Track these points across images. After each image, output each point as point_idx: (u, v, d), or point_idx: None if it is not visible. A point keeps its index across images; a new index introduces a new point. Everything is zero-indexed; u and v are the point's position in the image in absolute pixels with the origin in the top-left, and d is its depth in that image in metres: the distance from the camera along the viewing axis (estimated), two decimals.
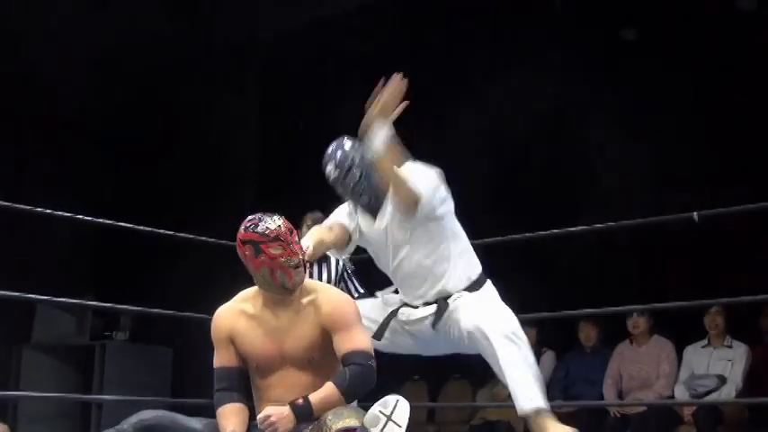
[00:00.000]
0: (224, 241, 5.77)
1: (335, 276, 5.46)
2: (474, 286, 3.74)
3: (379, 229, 3.76)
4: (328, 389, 3.06)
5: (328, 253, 5.51)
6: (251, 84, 8.27)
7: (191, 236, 5.58)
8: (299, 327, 3.16)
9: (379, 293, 3.93)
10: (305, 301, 3.19)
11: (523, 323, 6.29)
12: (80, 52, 7.58)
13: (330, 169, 3.77)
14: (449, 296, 3.71)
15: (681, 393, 5.84)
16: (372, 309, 3.82)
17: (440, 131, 7.19)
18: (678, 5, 6.58)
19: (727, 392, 5.70)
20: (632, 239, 6.55)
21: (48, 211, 4.84)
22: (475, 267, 3.81)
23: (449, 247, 3.75)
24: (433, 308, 3.71)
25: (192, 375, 7.53)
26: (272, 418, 2.98)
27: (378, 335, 3.73)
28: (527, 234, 5.40)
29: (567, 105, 6.93)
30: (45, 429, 7.38)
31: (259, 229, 3.14)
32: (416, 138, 7.35)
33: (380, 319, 3.78)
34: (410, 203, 3.64)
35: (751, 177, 6.05)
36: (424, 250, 3.73)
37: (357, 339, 3.15)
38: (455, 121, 7.14)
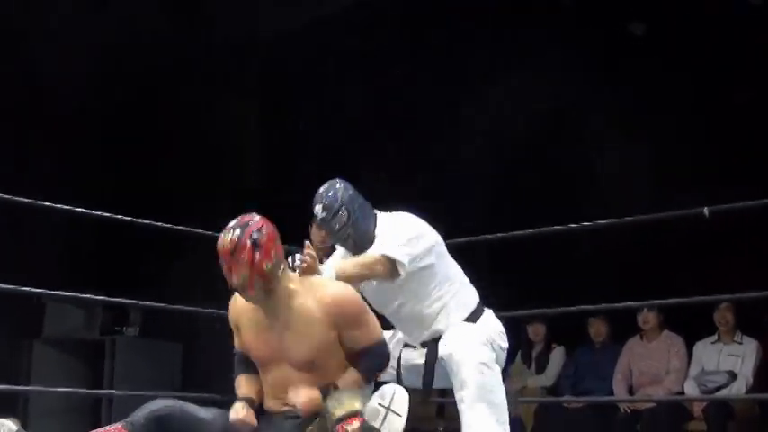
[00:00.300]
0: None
1: None
2: (468, 320, 3.74)
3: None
4: (354, 378, 3.12)
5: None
6: (251, 83, 8.28)
7: (202, 231, 5.59)
8: (299, 326, 3.11)
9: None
10: (308, 299, 3.14)
11: (533, 318, 6.35)
12: (80, 52, 7.58)
13: (318, 209, 3.72)
14: (440, 338, 3.73)
15: (691, 389, 5.83)
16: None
17: (439, 131, 7.20)
18: (679, 5, 6.57)
19: (738, 388, 5.69)
20: (642, 235, 6.54)
21: (57, 205, 4.85)
22: (469, 305, 3.79)
23: (441, 290, 3.74)
24: (424, 350, 3.73)
25: (202, 370, 7.56)
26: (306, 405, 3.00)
27: (398, 380, 3.72)
28: (539, 229, 5.39)
29: (568, 105, 6.94)
30: (55, 424, 7.40)
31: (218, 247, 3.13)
32: (416, 137, 7.41)
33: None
34: (390, 276, 3.62)
35: (753, 176, 6.04)
36: (416, 298, 3.73)
37: (370, 330, 3.19)
38: (455, 120, 7.14)
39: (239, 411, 3.11)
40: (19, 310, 7.63)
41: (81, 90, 7.92)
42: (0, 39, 7.48)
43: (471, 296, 3.82)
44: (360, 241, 3.72)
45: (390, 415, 2.86)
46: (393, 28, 7.39)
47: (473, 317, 3.74)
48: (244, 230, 3.11)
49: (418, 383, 3.84)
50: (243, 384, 3.24)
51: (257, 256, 3.06)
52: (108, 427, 2.97)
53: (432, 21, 7.34)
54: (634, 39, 6.86)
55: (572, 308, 5.52)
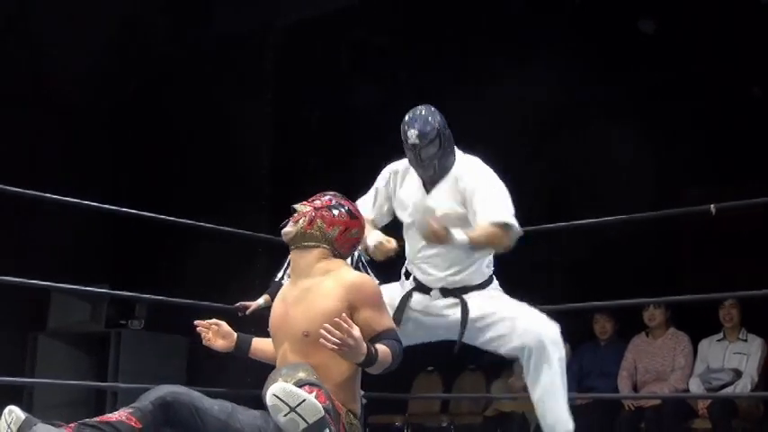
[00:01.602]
0: (239, 230, 5.80)
1: (351, 264, 5.47)
2: (488, 282, 3.85)
3: (426, 205, 3.79)
4: (388, 353, 3.07)
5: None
6: (266, 73, 8.27)
7: (208, 225, 5.60)
8: (307, 301, 3.17)
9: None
10: (326, 269, 3.23)
11: None
12: (94, 44, 7.60)
13: (412, 133, 3.77)
14: (466, 289, 3.76)
15: (696, 387, 5.84)
16: (391, 293, 3.86)
17: (453, 124, 7.20)
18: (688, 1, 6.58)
19: (743, 386, 5.70)
20: (648, 232, 6.55)
21: (65, 198, 4.86)
22: (491, 264, 3.90)
23: None
24: (450, 301, 3.77)
25: (207, 364, 7.57)
26: (353, 342, 2.95)
27: (396, 320, 3.73)
28: (543, 225, 5.41)
29: (572, 102, 6.93)
30: (60, 417, 7.35)
31: None
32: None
33: (395, 302, 3.83)
34: (509, 244, 3.76)
35: (760, 173, 6.05)
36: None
37: (386, 319, 3.19)
38: (468, 114, 7.13)
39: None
40: (24, 302, 7.66)
41: (92, 83, 7.93)
42: (12, 26, 7.49)
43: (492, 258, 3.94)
44: (439, 172, 3.81)
45: (298, 410, 2.82)
46: (407, 18, 7.40)
47: (491, 279, 3.89)
48: (344, 200, 3.33)
49: (427, 333, 3.92)
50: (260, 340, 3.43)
51: (325, 211, 3.27)
52: (114, 413, 2.98)
53: (443, 15, 7.35)
54: (641, 35, 6.86)
55: (577, 304, 5.54)
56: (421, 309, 3.83)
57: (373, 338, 3.11)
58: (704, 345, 6.00)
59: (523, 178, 7.15)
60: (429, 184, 3.84)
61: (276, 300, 3.36)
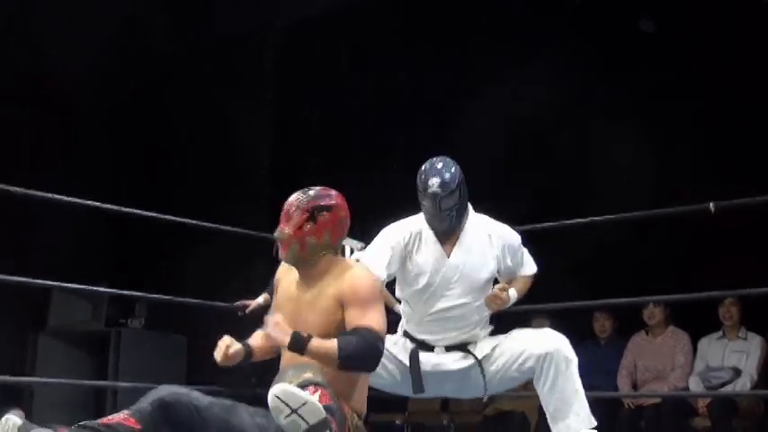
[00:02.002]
0: (239, 229, 5.81)
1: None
2: (490, 333, 3.91)
3: (447, 262, 3.79)
4: (330, 344, 3.04)
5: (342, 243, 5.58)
6: (266, 73, 8.28)
7: (208, 224, 5.61)
8: (320, 302, 3.18)
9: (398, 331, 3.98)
10: (331, 277, 3.22)
11: (537, 314, 6.37)
12: (94, 41, 7.61)
13: (434, 182, 3.75)
14: (469, 343, 3.82)
15: (695, 385, 5.84)
16: (394, 346, 3.84)
17: (452, 124, 7.21)
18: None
19: (742, 385, 5.70)
20: (647, 231, 6.55)
21: (65, 197, 4.87)
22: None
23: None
24: (458, 355, 3.80)
25: (208, 363, 7.57)
26: (276, 327, 3.06)
27: (417, 388, 3.78)
28: (543, 224, 5.42)
29: (574, 101, 6.94)
30: (60, 415, 7.42)
31: None
32: (427, 127, 7.42)
33: (400, 358, 3.80)
34: None
35: (759, 171, 6.05)
36: (478, 294, 3.84)
37: (372, 318, 3.11)
38: (469, 113, 7.15)
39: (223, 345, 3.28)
40: (24, 301, 7.66)
41: (93, 83, 7.94)
42: (12, 25, 7.50)
43: None
44: (452, 226, 3.80)
45: (299, 412, 2.83)
46: (407, 17, 7.41)
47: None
48: (314, 198, 3.26)
49: (444, 391, 3.97)
50: (254, 336, 3.42)
51: (307, 226, 3.22)
52: (115, 416, 2.98)
53: (443, 14, 7.36)
54: (641, 35, 6.86)
55: (577, 303, 5.55)
56: (431, 367, 3.81)
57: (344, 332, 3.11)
58: (704, 343, 6.01)
59: (523, 177, 7.20)
60: (445, 244, 3.82)
61: (282, 297, 3.36)
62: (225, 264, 7.23)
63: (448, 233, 3.81)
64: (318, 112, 8.04)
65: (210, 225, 5.63)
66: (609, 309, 6.32)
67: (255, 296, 5.27)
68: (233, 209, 7.30)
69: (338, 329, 3.12)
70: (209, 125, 8.19)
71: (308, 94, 7.99)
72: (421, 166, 3.88)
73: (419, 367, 3.78)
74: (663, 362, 6.07)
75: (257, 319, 4.27)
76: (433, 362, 3.80)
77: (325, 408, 2.83)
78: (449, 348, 3.81)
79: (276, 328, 3.05)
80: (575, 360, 3.72)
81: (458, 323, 3.80)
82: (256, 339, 3.42)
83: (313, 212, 3.22)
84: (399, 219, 3.97)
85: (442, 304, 3.79)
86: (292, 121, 8.18)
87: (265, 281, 5.40)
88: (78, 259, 7.86)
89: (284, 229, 3.23)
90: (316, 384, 2.89)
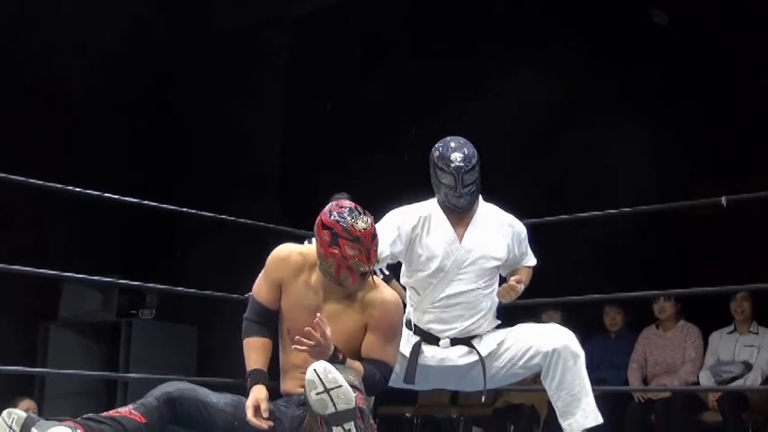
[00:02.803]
0: (249, 220, 5.83)
1: None
2: (497, 326, 3.88)
3: (457, 244, 3.77)
4: (359, 369, 3.08)
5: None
6: (277, 63, 8.29)
7: (219, 215, 5.62)
8: (342, 320, 3.16)
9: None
10: (359, 295, 3.20)
11: (548, 307, 6.37)
12: (101, 36, 7.64)
13: (458, 156, 3.75)
14: (475, 336, 3.79)
15: (706, 379, 5.83)
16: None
17: (461, 115, 7.21)
18: None
19: (753, 379, 5.68)
20: (658, 224, 6.55)
21: (76, 189, 4.88)
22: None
23: (496, 285, 3.87)
24: (464, 350, 3.78)
25: (217, 354, 7.61)
26: (323, 341, 3.01)
27: (409, 378, 3.77)
28: (556, 217, 5.42)
29: (581, 95, 6.94)
30: (71, 406, 7.47)
31: (344, 222, 3.12)
32: (433, 119, 7.44)
33: (403, 351, 3.73)
34: None
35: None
36: (487, 281, 3.83)
37: (390, 353, 3.19)
38: (478, 104, 7.15)
39: (255, 411, 3.07)
40: (36, 291, 7.69)
41: (105, 76, 7.95)
42: (20, 21, 7.52)
43: None
44: (470, 204, 3.80)
45: (332, 393, 2.85)
46: (417, 9, 7.42)
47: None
48: (371, 218, 3.20)
49: (446, 384, 3.99)
50: (259, 349, 3.23)
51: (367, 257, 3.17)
52: (120, 409, 2.99)
53: (455, 7, 7.37)
54: (648, 29, 6.85)
55: (588, 297, 5.55)
56: (436, 362, 3.79)
57: (363, 360, 3.15)
58: (714, 337, 5.99)
59: (533, 170, 7.20)
60: (457, 228, 3.80)
61: (294, 303, 3.24)
62: (235, 255, 7.23)
63: (461, 215, 3.80)
64: (330, 104, 8.05)
65: (221, 216, 5.65)
66: (619, 302, 6.31)
67: None
68: (244, 200, 7.32)
69: (353, 353, 3.14)
70: (220, 117, 8.22)
71: (320, 85, 8.00)
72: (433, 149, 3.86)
73: (417, 360, 3.76)
74: (673, 356, 6.06)
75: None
76: (439, 357, 3.78)
77: (359, 409, 2.85)
78: (454, 342, 3.79)
79: (320, 346, 3.01)
80: (582, 355, 3.72)
81: (466, 311, 3.78)
82: (260, 355, 3.25)
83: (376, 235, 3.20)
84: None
85: (451, 289, 3.77)
86: (304, 112, 8.20)
87: None
88: (89, 250, 7.90)
89: (373, 261, 3.18)
90: (356, 389, 2.89)
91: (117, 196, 5.14)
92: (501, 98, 6.95)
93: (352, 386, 2.87)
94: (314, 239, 3.23)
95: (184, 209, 5.44)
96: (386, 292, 3.24)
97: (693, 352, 6.00)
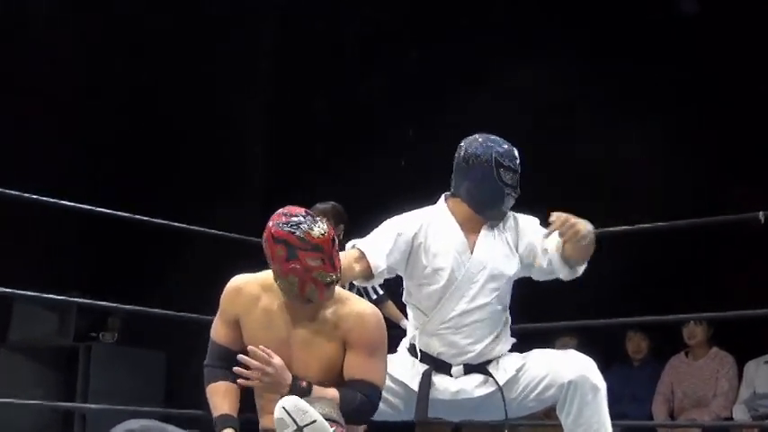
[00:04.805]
0: (225, 233, 5.83)
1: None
2: (512, 348, 3.86)
3: (468, 254, 3.75)
4: (333, 396, 3.05)
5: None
6: (261, 61, 8.31)
7: (190, 226, 5.62)
8: (316, 344, 3.14)
9: (401, 349, 3.90)
10: (329, 312, 3.18)
11: (563, 332, 6.37)
12: (77, 39, 7.67)
13: (516, 156, 3.79)
14: (489, 361, 3.77)
15: (741, 414, 5.84)
16: (401, 369, 3.77)
17: (456, 110, 7.25)
18: None
19: None
20: (688, 239, 6.56)
21: (27, 195, 4.88)
22: None
23: (509, 298, 3.86)
24: (479, 379, 3.75)
25: (188, 383, 7.58)
26: (272, 370, 3.01)
27: (421, 413, 3.72)
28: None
29: (579, 98, 6.98)
30: None
31: (299, 231, 3.08)
32: (433, 121, 7.47)
33: (409, 383, 3.74)
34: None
35: None
36: (506, 293, 3.82)
37: (375, 370, 3.16)
38: (475, 108, 7.19)
39: None
40: None
41: (69, 80, 7.95)
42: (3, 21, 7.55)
43: None
44: (505, 212, 3.81)
45: (305, 430, 2.84)
46: (410, 8, 7.47)
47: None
48: (326, 222, 3.17)
49: (459, 416, 3.98)
50: (224, 395, 3.20)
51: (337, 261, 3.17)
52: None
53: (449, 3, 7.42)
54: (670, 26, 6.91)
55: (607, 320, 5.55)
56: (449, 396, 3.75)
57: (345, 383, 3.12)
58: (750, 367, 6.01)
59: (538, 173, 7.22)
60: (468, 236, 3.78)
61: (259, 332, 3.20)
62: (209, 272, 7.20)
63: (475, 224, 3.78)
64: (320, 103, 8.07)
65: (193, 228, 5.65)
66: (644, 327, 6.32)
67: None
68: (222, 210, 7.32)
69: (333, 377, 3.13)
70: (199, 121, 8.21)
71: (310, 82, 8.02)
72: (465, 143, 3.84)
73: (428, 391, 3.72)
74: (704, 387, 6.07)
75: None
76: (452, 390, 3.74)
77: None
78: (468, 369, 3.75)
79: (271, 377, 3.01)
80: (603, 388, 3.69)
81: (480, 330, 3.74)
82: (226, 399, 3.23)
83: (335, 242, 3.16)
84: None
85: (462, 306, 3.73)
86: (290, 111, 8.22)
87: None
88: (44, 264, 7.88)
89: (337, 275, 3.14)
90: (334, 421, 2.90)
91: (77, 204, 5.14)
92: (501, 99, 6.98)
93: (329, 419, 2.86)
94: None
95: (153, 218, 5.44)
96: (360, 305, 3.22)
97: (727, 383, 6.01)
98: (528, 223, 3.87)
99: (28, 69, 7.74)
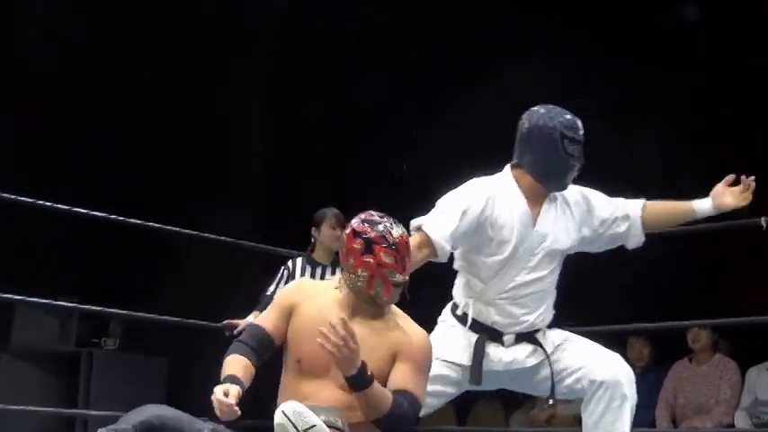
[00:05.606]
0: (226, 238, 5.86)
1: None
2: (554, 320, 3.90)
3: (531, 228, 3.76)
4: (387, 394, 3.10)
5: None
6: (260, 62, 8.34)
7: (192, 232, 5.65)
8: (369, 345, 3.15)
9: (442, 326, 3.92)
10: (386, 319, 3.26)
11: None
12: (70, 29, 7.68)
13: (580, 126, 3.79)
14: (538, 330, 3.81)
15: (742, 421, 5.85)
16: (452, 350, 3.80)
17: (456, 110, 7.28)
18: None
19: None
20: (691, 244, 6.58)
21: (32, 200, 4.91)
22: None
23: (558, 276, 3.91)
24: (528, 348, 3.78)
25: (189, 389, 7.62)
26: (354, 346, 3.00)
27: (476, 378, 3.76)
28: None
29: (579, 98, 7.01)
30: None
31: (380, 228, 3.22)
32: (427, 119, 7.50)
33: (464, 362, 3.77)
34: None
35: None
36: (556, 270, 3.86)
37: (421, 387, 3.22)
38: (475, 106, 7.22)
39: (225, 392, 3.06)
40: None
41: (66, 81, 7.98)
42: None
43: None
44: (568, 183, 3.83)
45: None
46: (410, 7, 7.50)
47: None
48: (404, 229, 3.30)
49: (509, 386, 3.98)
50: (240, 368, 3.19)
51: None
52: None
53: (449, 3, 7.46)
54: (671, 25, 6.94)
55: (608, 326, 5.56)
56: (503, 367, 3.79)
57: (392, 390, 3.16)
58: (752, 373, 6.01)
59: None
60: (532, 209, 3.78)
61: (316, 329, 3.12)
62: (210, 278, 7.28)
63: (539, 196, 3.80)
64: (319, 106, 8.10)
65: (194, 233, 5.68)
66: (646, 333, 6.33)
67: (244, 314, 5.32)
68: (223, 214, 7.35)
69: (381, 382, 3.16)
70: (195, 121, 8.22)
71: (308, 84, 8.05)
72: (527, 113, 3.85)
73: (482, 357, 3.75)
74: (706, 394, 6.07)
75: None
76: (506, 360, 3.77)
77: None
78: (519, 338, 3.79)
79: (349, 352, 3.00)
80: (632, 399, 3.72)
81: (534, 302, 3.78)
82: (241, 370, 3.20)
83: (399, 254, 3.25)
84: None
85: (521, 277, 3.76)
86: (289, 114, 8.24)
87: (254, 297, 5.46)
88: (46, 270, 7.90)
89: (405, 278, 3.24)
90: (336, 429, 2.93)
91: (79, 209, 5.17)
92: (499, 99, 7.02)
93: (332, 427, 2.90)
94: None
95: (154, 224, 5.48)
96: (416, 326, 3.30)
97: (729, 390, 6.01)
98: (598, 199, 3.92)
99: (27, 69, 7.78)
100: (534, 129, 3.78)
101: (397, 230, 3.23)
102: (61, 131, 8.31)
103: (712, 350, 6.20)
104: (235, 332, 5.11)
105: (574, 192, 3.88)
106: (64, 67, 7.91)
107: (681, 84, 6.86)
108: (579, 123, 3.77)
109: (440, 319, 3.93)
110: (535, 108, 3.84)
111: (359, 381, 3.03)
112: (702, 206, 3.92)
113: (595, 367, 3.71)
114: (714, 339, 6.19)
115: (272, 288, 5.44)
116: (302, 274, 5.47)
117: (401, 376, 3.17)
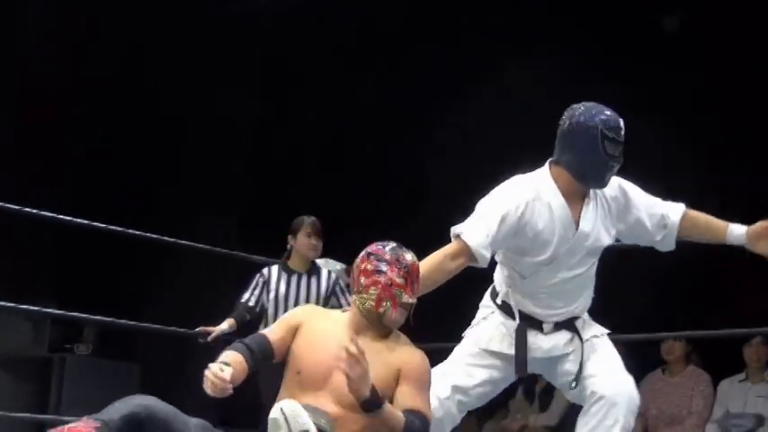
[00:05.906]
0: (203, 245, 5.86)
1: (327, 290, 5.55)
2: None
3: (573, 230, 3.75)
4: (399, 415, 3.15)
5: (319, 264, 5.61)
6: (251, 65, 8.33)
7: (167, 238, 5.65)
8: (373, 364, 3.16)
9: (489, 304, 3.93)
10: (389, 341, 3.33)
11: None
12: (70, 29, 7.68)
13: (622, 126, 3.77)
14: (575, 318, 3.83)
15: None
16: (494, 338, 3.83)
17: (452, 121, 7.30)
18: None
19: None
20: (669, 255, 6.60)
21: (4, 204, 4.91)
22: None
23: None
24: (566, 337, 3.79)
25: (164, 396, 7.60)
26: (366, 366, 3.06)
27: (521, 369, 3.79)
28: None
29: (580, 98, 7.03)
30: None
31: (392, 251, 3.35)
32: (423, 123, 7.52)
33: (505, 351, 3.80)
34: None
35: None
36: (596, 263, 3.86)
37: (427, 405, 3.29)
38: (468, 110, 7.24)
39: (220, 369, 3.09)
40: None
41: (54, 74, 7.96)
42: None
43: None
44: (607, 182, 3.81)
45: None
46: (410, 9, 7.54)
47: None
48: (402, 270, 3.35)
49: (545, 372, 3.97)
50: (234, 361, 3.20)
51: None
52: (78, 423, 2.94)
53: (449, 3, 7.49)
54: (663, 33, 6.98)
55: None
56: (542, 354, 3.80)
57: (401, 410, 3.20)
58: (724, 386, 6.03)
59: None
60: (573, 210, 3.76)
61: (320, 349, 3.26)
62: (185, 284, 7.27)
63: (580, 195, 3.79)
64: (313, 113, 8.12)
65: (169, 239, 5.68)
66: (621, 344, 6.34)
67: (218, 321, 5.33)
68: (202, 220, 7.35)
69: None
70: (184, 125, 8.21)
71: (300, 89, 8.06)
72: (570, 111, 3.84)
73: (525, 347, 3.77)
74: (679, 405, 6.08)
75: (222, 347, 4.34)
76: (545, 347, 3.79)
77: None
78: (557, 326, 3.80)
79: (361, 372, 3.06)
80: (626, 426, 3.68)
81: (574, 294, 3.81)
82: (234, 362, 3.21)
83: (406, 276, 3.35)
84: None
85: (562, 275, 3.76)
86: (281, 121, 8.26)
87: (230, 304, 5.47)
88: (18, 274, 7.87)
89: (412, 301, 3.33)
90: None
91: (51, 213, 5.16)
92: (502, 98, 7.05)
93: (321, 430, 2.92)
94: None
95: (128, 230, 5.48)
96: (414, 346, 3.37)
97: (701, 402, 6.02)
98: (638, 196, 3.91)
99: (26, 69, 7.78)
100: (574, 127, 3.77)
101: (410, 255, 3.36)
102: (61, 131, 8.30)
103: (686, 362, 6.22)
104: (209, 339, 5.12)
105: (613, 185, 3.86)
106: (64, 66, 7.90)
107: (681, 84, 6.90)
108: (621, 123, 3.76)
109: (481, 304, 3.95)
110: (576, 105, 3.84)
111: (368, 403, 3.09)
112: (735, 232, 3.87)
113: (604, 380, 3.70)
114: (688, 351, 6.22)
115: (246, 295, 5.44)
116: (278, 282, 5.49)
117: (409, 395, 3.24)
